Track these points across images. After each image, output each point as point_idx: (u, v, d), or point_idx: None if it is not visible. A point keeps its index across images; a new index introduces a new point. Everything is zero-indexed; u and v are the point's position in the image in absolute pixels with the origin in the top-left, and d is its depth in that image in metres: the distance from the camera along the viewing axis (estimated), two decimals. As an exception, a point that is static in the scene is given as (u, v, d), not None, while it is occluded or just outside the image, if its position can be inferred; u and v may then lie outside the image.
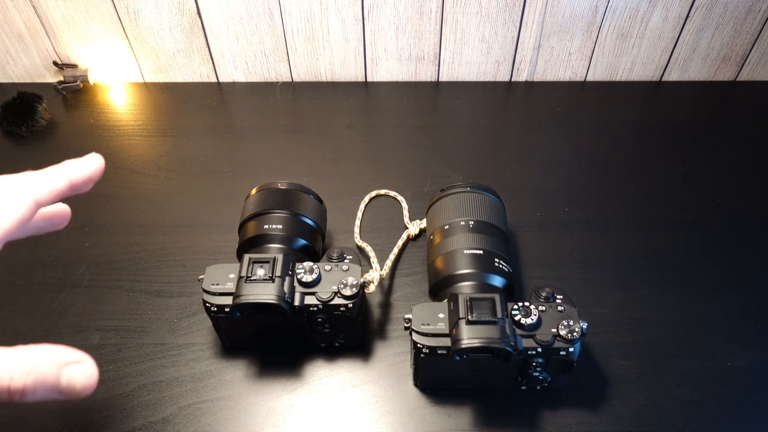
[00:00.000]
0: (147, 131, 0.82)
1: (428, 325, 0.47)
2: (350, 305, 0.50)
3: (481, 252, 0.53)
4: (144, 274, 0.63)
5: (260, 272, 0.49)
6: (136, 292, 0.61)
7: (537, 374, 0.49)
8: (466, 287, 0.51)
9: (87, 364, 0.30)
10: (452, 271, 0.52)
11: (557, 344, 0.46)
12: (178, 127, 0.82)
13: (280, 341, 0.55)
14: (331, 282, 0.50)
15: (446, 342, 0.47)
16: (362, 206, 0.70)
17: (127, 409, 0.52)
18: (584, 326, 0.47)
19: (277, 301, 0.47)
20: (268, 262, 0.49)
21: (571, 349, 0.47)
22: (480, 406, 0.52)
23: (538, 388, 0.52)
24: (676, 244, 0.67)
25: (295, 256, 0.53)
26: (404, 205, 0.70)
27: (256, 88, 0.90)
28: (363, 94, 0.89)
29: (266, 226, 0.55)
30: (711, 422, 0.51)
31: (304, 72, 0.89)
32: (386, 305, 0.60)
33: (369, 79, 0.90)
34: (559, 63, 0.88)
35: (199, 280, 0.51)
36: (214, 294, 0.50)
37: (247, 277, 0.49)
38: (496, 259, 0.53)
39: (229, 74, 0.89)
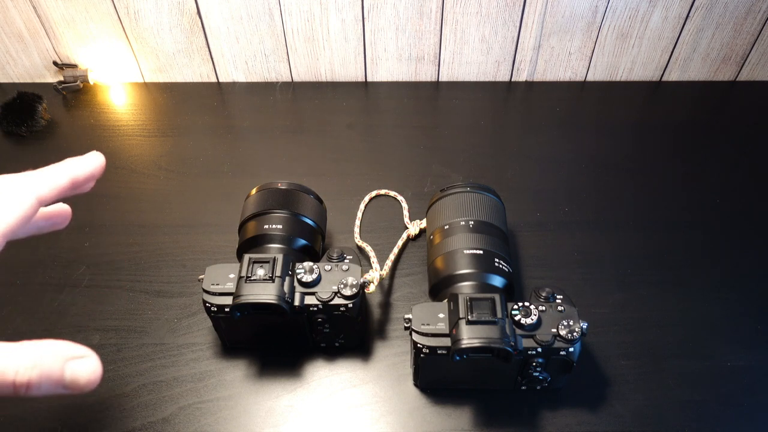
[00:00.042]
0: (147, 131, 0.82)
1: (428, 325, 0.47)
2: (350, 305, 0.50)
3: (481, 252, 0.53)
4: (144, 274, 0.63)
5: (260, 272, 0.49)
6: (136, 292, 0.61)
7: (537, 374, 0.49)
8: (466, 287, 0.51)
9: (91, 359, 0.31)
10: (452, 271, 0.52)
11: (557, 344, 0.46)
12: (178, 127, 0.82)
13: (280, 341, 0.55)
14: (331, 282, 0.50)
15: (446, 342, 0.47)
16: (362, 206, 0.70)
17: (127, 409, 0.52)
18: (584, 326, 0.47)
19: (277, 301, 0.47)
20: (268, 262, 0.49)
21: (571, 349, 0.47)
22: (480, 406, 0.52)
23: (538, 388, 0.52)
24: (676, 244, 0.67)
25: (295, 256, 0.53)
26: (404, 205, 0.70)
27: (256, 88, 0.90)
28: (363, 94, 0.89)
29: (266, 226, 0.55)
30: (711, 422, 0.51)
31: (304, 72, 0.89)
32: (386, 305, 0.60)
33: (369, 79, 0.90)
34: (559, 63, 0.88)
35: (199, 280, 0.51)
36: (214, 294, 0.50)
37: (247, 277, 0.49)
38: (496, 259, 0.53)
39: (229, 74, 0.89)
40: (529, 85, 0.90)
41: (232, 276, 0.50)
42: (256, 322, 0.52)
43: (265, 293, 0.48)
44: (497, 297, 0.47)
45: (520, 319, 0.47)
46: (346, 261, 0.52)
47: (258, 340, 0.55)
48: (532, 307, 0.47)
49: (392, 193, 0.72)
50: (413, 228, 0.66)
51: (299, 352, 0.56)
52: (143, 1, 0.80)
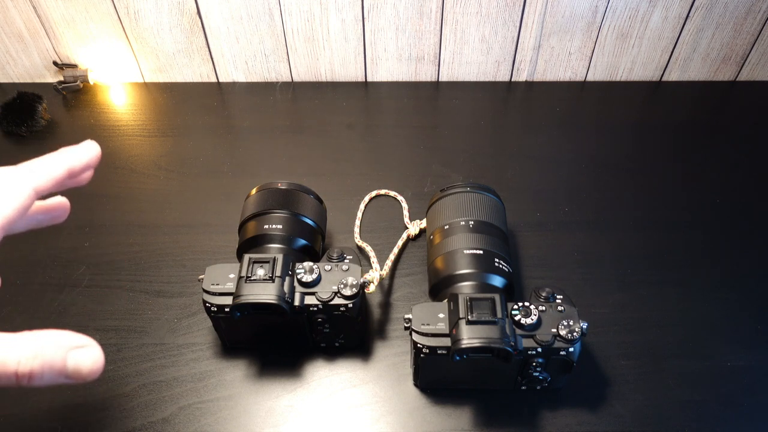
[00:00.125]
0: (147, 131, 0.82)
1: (428, 325, 0.47)
2: (350, 305, 0.50)
3: (481, 252, 0.53)
4: (144, 274, 0.63)
5: (260, 272, 0.49)
6: (136, 292, 0.61)
7: (537, 374, 0.49)
8: (466, 287, 0.51)
9: (93, 348, 0.30)
10: (452, 271, 0.52)
11: (557, 344, 0.46)
12: (178, 127, 0.82)
13: (280, 341, 0.55)
14: (331, 282, 0.50)
15: (446, 342, 0.47)
16: (362, 206, 0.70)
17: (127, 409, 0.52)
18: (584, 326, 0.47)
19: (277, 301, 0.47)
20: (268, 262, 0.49)
21: (571, 349, 0.47)
22: (480, 406, 0.52)
23: (538, 388, 0.52)
24: (676, 244, 0.67)
25: (295, 256, 0.53)
26: (404, 205, 0.70)
27: (256, 88, 0.90)
28: (363, 94, 0.89)
29: (266, 226, 0.55)
30: (711, 422, 0.51)
31: (304, 72, 0.89)
32: (386, 305, 0.60)
33: (369, 79, 0.90)
34: (559, 63, 0.88)
35: (199, 280, 0.51)
36: (214, 294, 0.50)
37: (247, 277, 0.49)
38: (496, 259, 0.53)
39: (229, 74, 0.89)
40: (529, 85, 0.90)
41: (232, 276, 0.50)
42: (256, 322, 0.52)
43: (265, 293, 0.48)
44: (497, 297, 0.47)
45: (520, 319, 0.47)
46: (346, 261, 0.52)
47: (258, 340, 0.55)
48: (532, 307, 0.47)
49: (392, 193, 0.72)
50: (413, 228, 0.66)
51: (299, 352, 0.56)
52: (143, 1, 0.80)
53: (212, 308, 0.50)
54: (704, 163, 0.77)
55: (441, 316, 0.48)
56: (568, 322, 0.47)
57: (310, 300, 0.49)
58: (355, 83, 0.90)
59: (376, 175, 0.75)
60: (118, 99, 0.88)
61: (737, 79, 0.91)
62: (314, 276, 0.50)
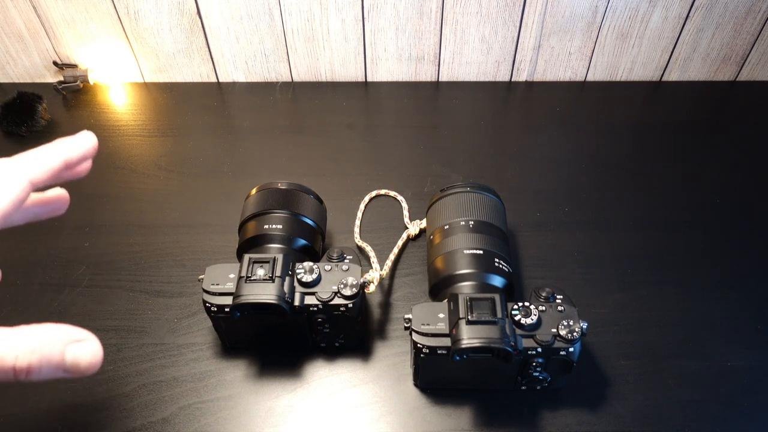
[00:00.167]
0: (147, 131, 0.82)
1: (428, 325, 0.47)
2: (350, 305, 0.50)
3: (481, 252, 0.53)
4: (144, 274, 0.63)
5: (260, 272, 0.49)
6: (136, 292, 0.61)
7: (537, 374, 0.49)
8: (466, 287, 0.51)
9: (92, 342, 0.30)
10: (452, 271, 0.52)
11: (557, 344, 0.46)
12: (178, 127, 0.82)
13: (280, 341, 0.55)
14: (331, 282, 0.50)
15: (446, 342, 0.47)
16: (362, 206, 0.70)
17: (127, 409, 0.52)
18: (584, 326, 0.47)
19: (277, 301, 0.47)
20: (268, 262, 0.49)
21: (571, 349, 0.47)
22: (480, 406, 0.52)
23: (538, 388, 0.52)
24: (676, 244, 0.67)
25: (295, 256, 0.53)
26: (404, 205, 0.70)
27: (256, 88, 0.90)
28: (363, 94, 0.89)
29: (266, 226, 0.55)
30: (711, 422, 0.51)
31: (304, 72, 0.89)
32: (386, 305, 0.60)
33: (369, 79, 0.90)
34: (559, 63, 0.88)
35: (199, 280, 0.51)
36: (214, 294, 0.50)
37: (247, 277, 0.49)
38: (496, 259, 0.53)
39: (229, 74, 0.89)
40: (529, 85, 0.90)
41: (232, 276, 0.50)
42: (256, 322, 0.52)
43: (265, 293, 0.48)
44: (497, 297, 0.47)
45: (520, 319, 0.47)
46: (346, 261, 0.52)
47: (258, 340, 0.55)
48: (532, 307, 0.47)
49: (392, 193, 0.72)
50: (413, 228, 0.66)
51: (299, 352, 0.56)
52: (143, 1, 0.80)
53: (212, 308, 0.50)
54: (704, 163, 0.77)
55: (441, 316, 0.48)
56: (568, 322, 0.47)
57: (310, 300, 0.49)
58: (355, 83, 0.90)
59: (376, 175, 0.75)
60: (118, 99, 0.88)
61: (737, 79, 0.91)
62: (314, 276, 0.50)
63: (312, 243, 0.56)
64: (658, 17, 0.83)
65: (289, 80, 0.90)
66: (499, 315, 0.46)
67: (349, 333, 0.54)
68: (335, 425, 0.51)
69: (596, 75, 0.90)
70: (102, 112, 0.85)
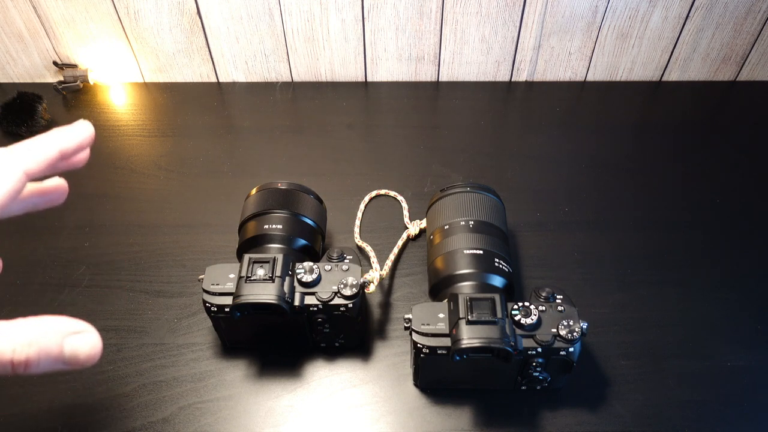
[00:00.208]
0: (147, 131, 0.82)
1: (428, 325, 0.47)
2: (350, 305, 0.50)
3: (481, 252, 0.53)
4: (144, 274, 0.63)
5: (260, 272, 0.49)
6: (136, 292, 0.61)
7: (537, 374, 0.49)
8: (466, 287, 0.51)
9: (90, 333, 0.30)
10: (452, 271, 0.52)
11: (557, 344, 0.46)
12: (178, 127, 0.82)
13: (280, 341, 0.55)
14: (331, 282, 0.50)
15: (446, 342, 0.47)
16: (362, 206, 0.70)
17: (127, 409, 0.52)
18: (584, 326, 0.47)
19: (277, 301, 0.47)
20: (268, 262, 0.49)
21: (571, 349, 0.47)
22: (480, 406, 0.52)
23: (538, 388, 0.52)
24: (676, 244, 0.67)
25: (295, 256, 0.53)
26: (404, 205, 0.70)
27: (256, 88, 0.90)
28: (363, 94, 0.89)
29: (266, 226, 0.55)
30: (711, 422, 0.51)
31: (304, 72, 0.89)
32: (386, 305, 0.60)
33: (369, 79, 0.90)
34: (559, 63, 0.88)
35: (199, 280, 0.51)
36: (214, 294, 0.50)
37: (247, 277, 0.49)
38: (496, 259, 0.53)
39: (229, 74, 0.89)
40: (529, 85, 0.90)
41: (232, 276, 0.50)
42: (256, 322, 0.52)
43: (265, 293, 0.48)
44: (497, 297, 0.47)
45: (520, 319, 0.47)
46: (346, 261, 0.52)
47: (258, 340, 0.55)
48: (532, 307, 0.47)
49: (392, 193, 0.72)
50: (413, 228, 0.66)
51: (299, 352, 0.56)
52: (143, 1, 0.80)
53: (212, 308, 0.50)
54: (704, 163, 0.77)
55: (441, 316, 0.48)
56: (568, 322, 0.47)
57: (310, 300, 0.49)
58: (355, 83, 0.90)
59: (376, 175, 0.75)
60: (118, 99, 0.88)
61: (737, 79, 0.91)
62: (314, 276, 0.50)
63: (312, 243, 0.56)
64: (658, 17, 0.83)
65: (289, 80, 0.90)
66: (499, 315, 0.46)
67: (349, 333, 0.54)
68: (335, 425, 0.51)
69: (596, 75, 0.90)
70: (102, 112, 0.85)
